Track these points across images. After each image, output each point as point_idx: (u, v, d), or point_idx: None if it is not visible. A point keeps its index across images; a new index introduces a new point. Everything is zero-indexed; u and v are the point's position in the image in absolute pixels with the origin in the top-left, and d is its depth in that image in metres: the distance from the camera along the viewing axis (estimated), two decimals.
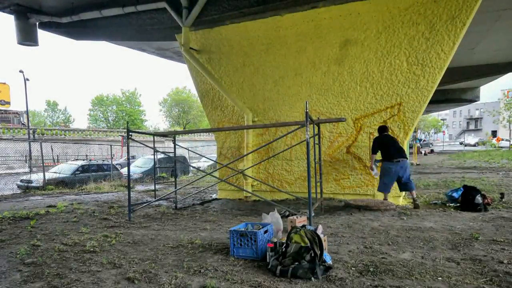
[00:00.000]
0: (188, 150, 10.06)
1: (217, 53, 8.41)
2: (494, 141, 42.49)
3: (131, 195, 9.61)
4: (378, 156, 6.71)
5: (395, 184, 6.75)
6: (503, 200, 6.89)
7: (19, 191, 11.42)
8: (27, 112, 28.70)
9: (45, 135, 32.25)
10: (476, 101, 23.86)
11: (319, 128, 6.65)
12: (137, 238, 4.78)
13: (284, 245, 3.47)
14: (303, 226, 3.75)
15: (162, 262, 3.70)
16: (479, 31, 10.15)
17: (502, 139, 42.18)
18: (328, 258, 3.45)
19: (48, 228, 5.40)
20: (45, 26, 9.34)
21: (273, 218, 4.44)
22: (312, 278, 3.09)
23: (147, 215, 6.56)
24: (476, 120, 74.33)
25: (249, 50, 8.03)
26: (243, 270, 3.39)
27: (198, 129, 8.32)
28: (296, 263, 3.22)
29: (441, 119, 64.83)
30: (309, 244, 3.29)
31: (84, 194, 10.02)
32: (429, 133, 75.03)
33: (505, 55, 13.40)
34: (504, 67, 14.97)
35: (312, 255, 3.23)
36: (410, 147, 19.62)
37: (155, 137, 8.92)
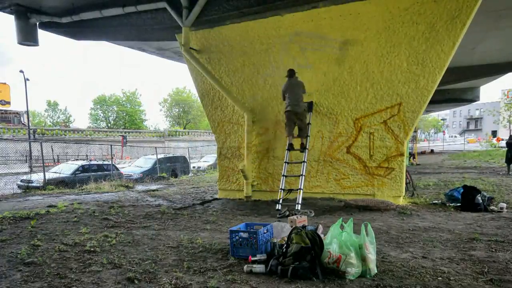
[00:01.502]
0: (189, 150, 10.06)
1: (217, 53, 8.41)
2: (494, 140, 42.46)
3: (131, 195, 9.66)
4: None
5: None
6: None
7: (19, 191, 11.42)
8: (27, 112, 28.75)
9: (45, 135, 32.29)
10: (476, 101, 23.86)
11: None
12: (137, 238, 4.78)
13: (285, 245, 3.47)
14: (304, 226, 3.75)
15: (162, 262, 3.70)
16: (479, 31, 10.15)
17: (502, 139, 42.15)
18: None
19: (48, 228, 5.40)
20: (46, 26, 9.34)
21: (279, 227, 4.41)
22: (314, 278, 3.10)
23: (147, 215, 6.56)
24: (476, 120, 74.34)
25: (249, 50, 8.03)
26: (243, 270, 3.39)
27: None
28: (297, 263, 3.22)
29: (441, 119, 64.80)
30: (310, 245, 3.29)
31: (85, 194, 10.02)
32: (429, 133, 74.99)
33: (505, 55, 13.39)
34: (504, 67, 14.96)
35: (313, 255, 3.24)
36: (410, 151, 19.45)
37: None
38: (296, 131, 7.30)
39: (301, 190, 6.89)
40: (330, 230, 3.43)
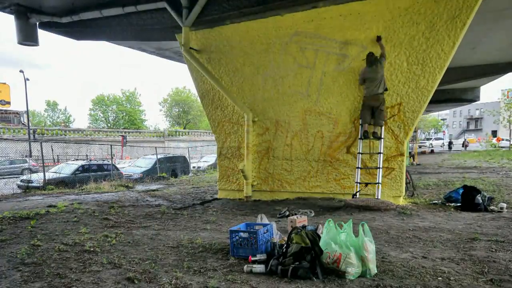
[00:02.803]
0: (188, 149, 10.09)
1: (217, 53, 8.41)
2: (494, 140, 42.47)
3: (131, 195, 9.66)
4: None
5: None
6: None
7: (19, 191, 11.42)
8: (27, 112, 28.77)
9: (45, 135, 32.30)
10: (476, 101, 23.84)
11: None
12: (137, 238, 4.78)
13: (285, 245, 3.48)
14: (304, 226, 3.76)
15: (162, 262, 3.70)
16: (480, 31, 10.15)
17: (502, 139, 42.17)
18: None
19: (48, 228, 5.40)
20: (46, 26, 9.33)
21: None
22: (314, 278, 3.09)
23: (147, 215, 6.56)
24: (476, 120, 74.32)
25: (249, 50, 8.03)
26: (243, 270, 3.39)
27: None
28: (297, 263, 3.22)
29: (441, 119, 64.83)
30: (310, 245, 3.30)
31: (84, 194, 10.02)
32: (429, 133, 75.01)
33: (505, 55, 13.39)
34: (504, 67, 14.95)
35: (313, 255, 3.24)
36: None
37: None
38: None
39: (380, 184, 6.68)
40: (324, 229, 3.43)
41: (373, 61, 6.62)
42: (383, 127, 6.86)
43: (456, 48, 6.33)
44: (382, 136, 6.84)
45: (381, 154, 6.79)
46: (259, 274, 3.28)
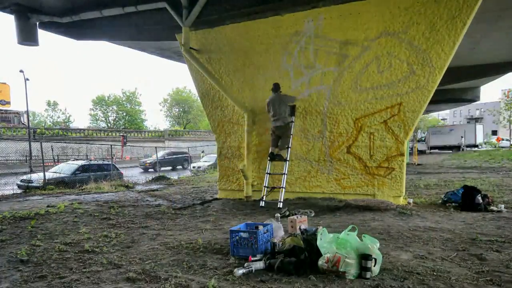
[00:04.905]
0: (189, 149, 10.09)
1: (217, 53, 8.40)
2: (494, 140, 42.51)
3: (131, 195, 9.66)
4: None
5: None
6: None
7: (19, 191, 11.41)
8: (27, 112, 28.76)
9: (45, 135, 32.32)
10: (476, 101, 23.87)
11: None
12: (137, 238, 4.78)
13: (281, 244, 3.65)
14: (302, 232, 3.79)
15: (162, 262, 3.70)
16: (480, 31, 10.14)
17: (502, 139, 42.20)
18: None
19: (48, 228, 5.41)
20: (46, 26, 9.33)
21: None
22: (294, 273, 3.19)
23: (147, 215, 6.56)
24: (476, 120, 74.23)
25: (249, 50, 8.03)
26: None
27: None
28: (287, 258, 3.36)
29: (441, 119, 64.77)
30: (303, 245, 3.43)
31: (84, 194, 10.02)
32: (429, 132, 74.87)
33: (505, 55, 13.39)
34: (504, 67, 14.96)
35: (307, 255, 3.34)
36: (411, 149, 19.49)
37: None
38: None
39: (283, 189, 7.28)
40: (318, 236, 3.46)
41: (277, 89, 7.45)
42: (289, 150, 7.53)
43: (456, 48, 6.32)
44: (288, 159, 7.51)
45: (285, 175, 7.43)
46: (259, 274, 3.28)
